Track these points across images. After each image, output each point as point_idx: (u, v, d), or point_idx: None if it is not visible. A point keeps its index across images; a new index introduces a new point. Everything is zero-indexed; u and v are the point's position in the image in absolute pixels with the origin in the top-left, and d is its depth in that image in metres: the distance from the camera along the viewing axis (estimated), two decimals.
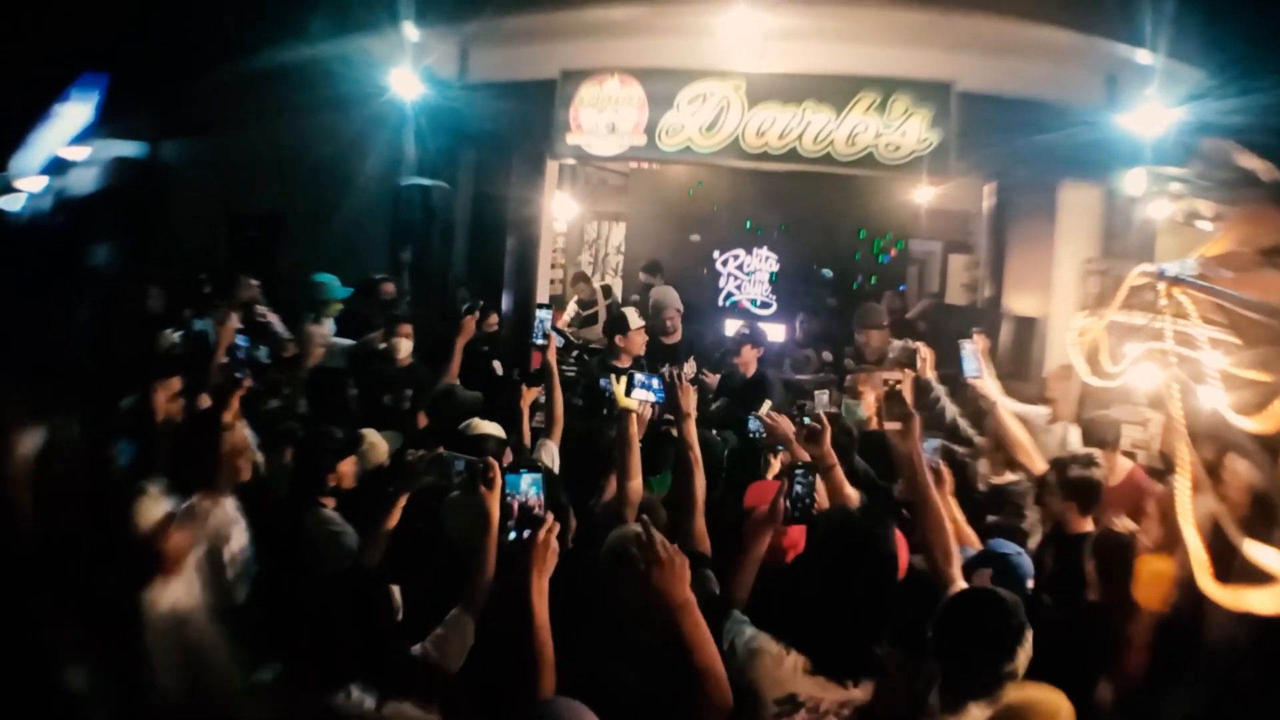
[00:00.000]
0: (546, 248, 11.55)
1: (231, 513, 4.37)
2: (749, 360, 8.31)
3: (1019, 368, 8.83)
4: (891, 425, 4.49)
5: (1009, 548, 4.43)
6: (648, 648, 3.32)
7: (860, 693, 3.42)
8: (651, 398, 4.78)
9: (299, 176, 11.40)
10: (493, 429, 5.49)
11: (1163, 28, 7.82)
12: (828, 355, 10.66)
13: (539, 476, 3.54)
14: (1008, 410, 6.05)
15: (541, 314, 5.98)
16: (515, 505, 3.45)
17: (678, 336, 8.79)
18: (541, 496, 3.51)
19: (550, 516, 3.39)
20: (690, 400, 4.58)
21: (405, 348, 7.37)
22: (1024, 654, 3.50)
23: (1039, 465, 5.44)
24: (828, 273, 13.68)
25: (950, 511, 4.66)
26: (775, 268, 13.64)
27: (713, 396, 7.93)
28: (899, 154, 9.28)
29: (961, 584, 4.00)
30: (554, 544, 3.31)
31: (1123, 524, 4.94)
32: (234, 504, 4.40)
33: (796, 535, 4.31)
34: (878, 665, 3.44)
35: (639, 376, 4.79)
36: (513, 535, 3.40)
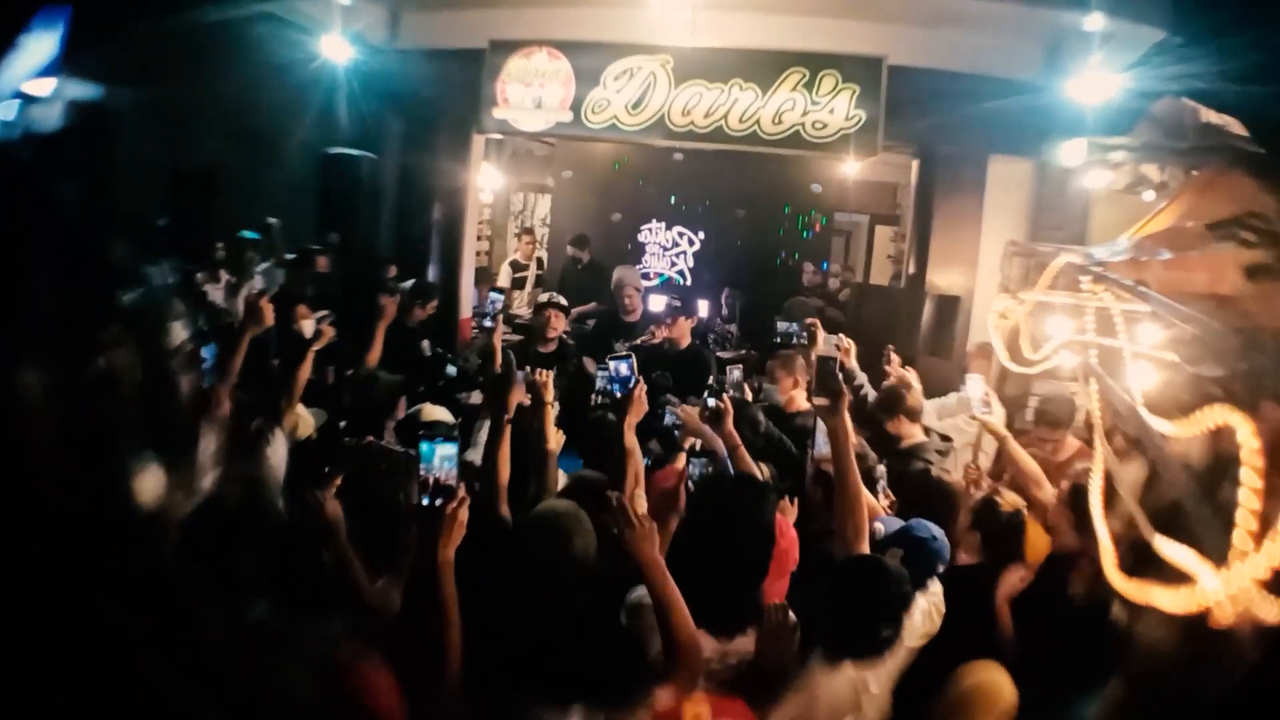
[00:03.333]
0: (473, 220, 11.48)
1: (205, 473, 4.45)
2: (683, 331, 8.29)
3: (940, 346, 8.89)
4: (820, 401, 4.53)
5: (926, 531, 4.48)
6: (577, 613, 3.51)
7: (738, 645, 3.59)
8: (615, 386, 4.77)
9: (227, 137, 11.18)
10: (443, 414, 5.69)
11: None
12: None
13: (453, 448, 3.51)
14: (1017, 445, 6.07)
15: (494, 296, 6.04)
16: (428, 476, 3.41)
17: (637, 315, 8.83)
18: (455, 469, 3.47)
19: (461, 489, 3.38)
20: (640, 409, 4.62)
21: (308, 329, 7.29)
22: (909, 622, 3.83)
23: (1050, 496, 5.48)
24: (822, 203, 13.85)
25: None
26: (698, 244, 13.68)
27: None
28: (826, 132, 9.25)
29: None
30: (462, 517, 3.32)
31: (1009, 499, 5.07)
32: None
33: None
34: (754, 619, 3.55)
35: (613, 364, 4.80)
36: (425, 502, 3.36)
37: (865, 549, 4.18)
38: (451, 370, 7.67)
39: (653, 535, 3.45)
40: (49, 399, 2.87)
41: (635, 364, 4.73)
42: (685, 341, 8.20)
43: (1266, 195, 2.97)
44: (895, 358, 7.60)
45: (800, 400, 6.85)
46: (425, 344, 8.65)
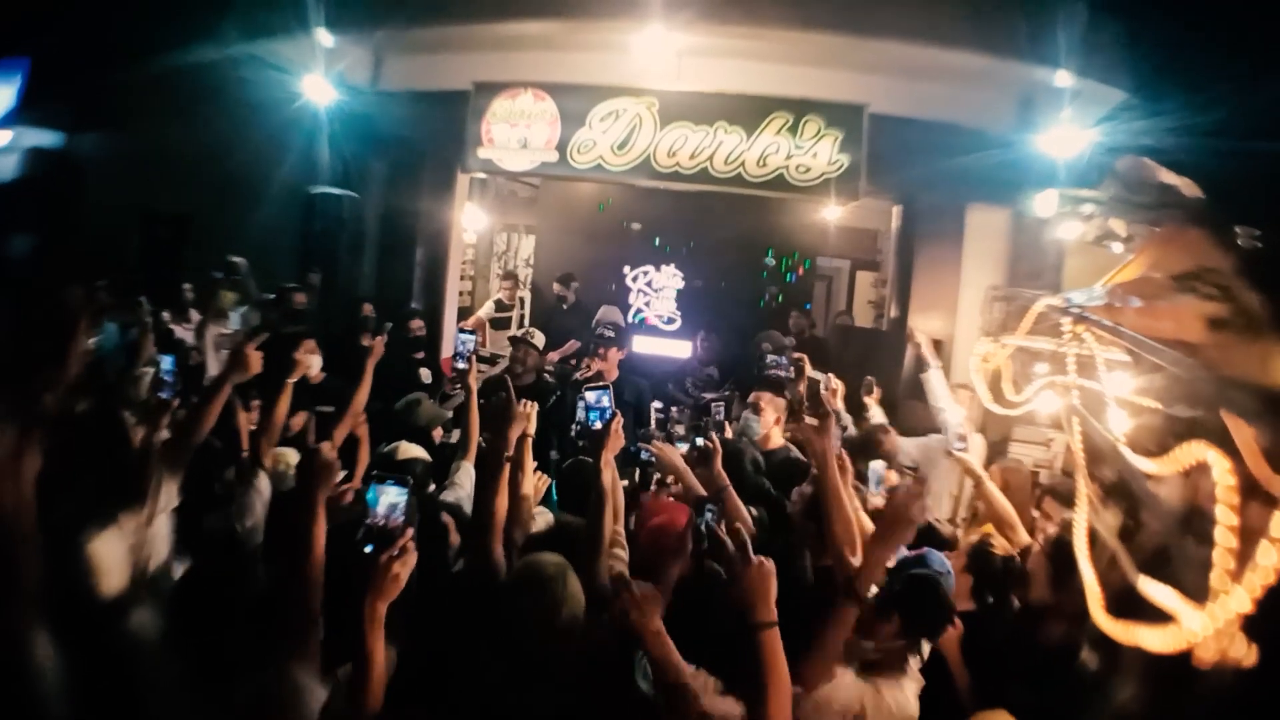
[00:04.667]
0: (456, 259, 11.50)
1: (162, 529, 4.27)
2: (613, 363, 8.16)
3: (922, 390, 8.93)
4: (810, 421, 4.56)
5: (940, 566, 4.46)
6: (559, 670, 3.33)
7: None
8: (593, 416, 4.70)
9: (209, 178, 11.19)
10: (419, 452, 5.53)
11: (1075, 49, 7.99)
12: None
13: (401, 492, 3.28)
14: (993, 486, 6.07)
15: (464, 338, 5.99)
16: (373, 521, 3.20)
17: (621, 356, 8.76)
18: (402, 515, 3.24)
19: (405, 538, 3.10)
20: (617, 443, 4.55)
21: (315, 364, 7.23)
22: None
23: (1024, 539, 5.49)
24: (770, 260, 13.75)
25: (853, 502, 4.75)
26: (681, 284, 13.67)
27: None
28: (809, 176, 9.32)
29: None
30: (397, 569, 3.04)
31: (1001, 544, 5.08)
32: (165, 520, 4.29)
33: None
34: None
35: (591, 394, 4.72)
36: (369, 549, 3.11)
37: (857, 562, 4.14)
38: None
39: (657, 607, 3.36)
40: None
41: (612, 395, 4.67)
42: (614, 374, 8.04)
43: (1220, 252, 3.00)
44: (876, 390, 7.63)
45: (777, 437, 6.81)
46: (424, 372, 8.67)
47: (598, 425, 4.54)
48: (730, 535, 3.37)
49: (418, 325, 9.36)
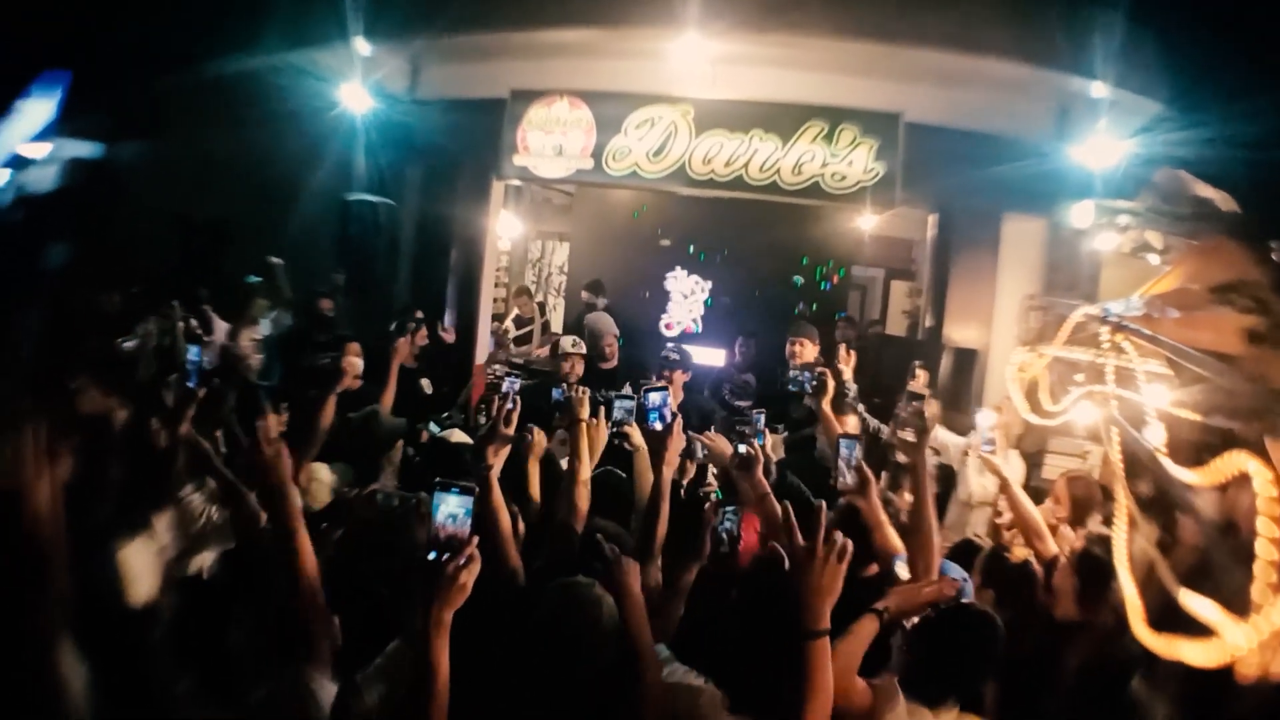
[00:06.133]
0: (490, 266, 11.50)
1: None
2: (678, 387, 7.95)
3: (958, 399, 8.87)
4: (906, 436, 4.53)
5: (958, 572, 4.43)
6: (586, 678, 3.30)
7: None
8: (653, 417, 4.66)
9: (247, 185, 11.25)
10: (468, 440, 5.49)
11: (1112, 60, 7.95)
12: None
13: (464, 499, 3.09)
14: (1021, 491, 5.97)
15: (511, 381, 6.03)
16: (439, 529, 3.04)
17: (615, 362, 8.70)
18: (466, 522, 3.06)
19: (471, 545, 3.00)
20: (678, 445, 4.55)
21: (358, 367, 7.20)
22: None
23: (1052, 549, 5.38)
24: (799, 280, 13.68)
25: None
26: (709, 292, 13.63)
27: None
28: (845, 184, 9.28)
29: None
30: (464, 578, 2.94)
31: (1016, 553, 5.02)
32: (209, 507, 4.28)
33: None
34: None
35: (651, 395, 4.69)
36: (431, 556, 2.97)
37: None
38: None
39: (636, 570, 3.44)
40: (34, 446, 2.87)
41: (670, 397, 4.65)
42: (680, 397, 7.81)
43: (1257, 266, 2.98)
44: (921, 374, 7.50)
45: None
46: (424, 383, 8.64)
47: (657, 426, 4.51)
48: (803, 516, 3.09)
49: (423, 336, 9.30)
